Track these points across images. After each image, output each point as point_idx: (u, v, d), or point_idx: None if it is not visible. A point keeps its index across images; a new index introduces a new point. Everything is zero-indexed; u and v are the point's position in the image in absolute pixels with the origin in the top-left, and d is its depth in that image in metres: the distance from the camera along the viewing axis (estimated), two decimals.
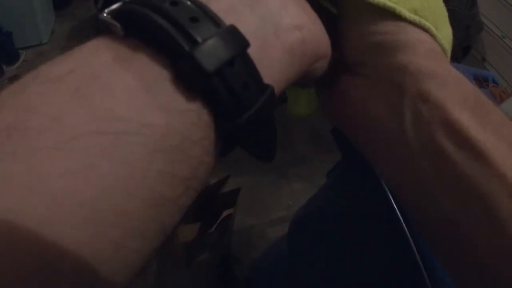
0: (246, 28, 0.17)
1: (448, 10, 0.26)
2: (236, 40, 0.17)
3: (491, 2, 1.70)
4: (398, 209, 0.45)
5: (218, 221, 1.11)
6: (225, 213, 1.12)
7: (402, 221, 0.45)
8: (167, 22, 0.15)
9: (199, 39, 0.16)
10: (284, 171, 1.71)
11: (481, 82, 1.19)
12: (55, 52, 2.24)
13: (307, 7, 0.22)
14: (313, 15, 0.22)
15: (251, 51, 0.17)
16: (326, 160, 1.75)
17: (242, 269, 1.29)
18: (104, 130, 0.14)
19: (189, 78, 0.15)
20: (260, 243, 1.45)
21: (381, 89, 0.22)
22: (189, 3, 0.17)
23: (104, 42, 0.16)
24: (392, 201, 0.46)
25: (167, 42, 0.15)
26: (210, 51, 0.16)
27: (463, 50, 1.78)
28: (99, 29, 0.17)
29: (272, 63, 0.18)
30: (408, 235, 0.44)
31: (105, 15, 0.16)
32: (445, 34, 0.25)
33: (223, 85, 0.16)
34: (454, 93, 0.20)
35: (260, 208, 1.56)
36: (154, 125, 0.15)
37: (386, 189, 0.47)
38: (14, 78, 2.05)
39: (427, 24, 0.23)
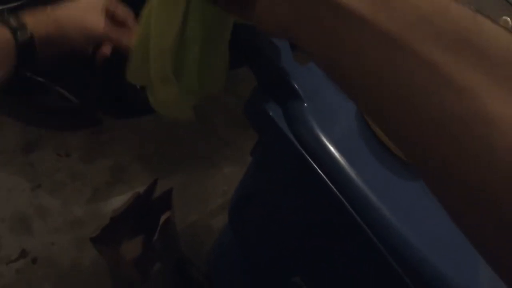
0: None
1: None
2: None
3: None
4: (325, 175, 0.47)
5: (158, 228, 1.08)
6: (163, 218, 1.09)
7: (332, 185, 0.47)
8: None
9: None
10: (212, 159, 1.70)
11: None
12: None
13: None
14: None
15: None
16: (247, 139, 1.77)
17: (198, 268, 1.27)
18: None
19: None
20: (207, 237, 1.45)
21: None
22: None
23: None
24: (318, 169, 0.47)
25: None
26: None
27: None
28: None
29: None
30: (341, 197, 0.46)
31: None
32: None
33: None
34: None
35: (197, 202, 1.54)
36: None
37: (309, 158, 0.49)
38: None
39: None
